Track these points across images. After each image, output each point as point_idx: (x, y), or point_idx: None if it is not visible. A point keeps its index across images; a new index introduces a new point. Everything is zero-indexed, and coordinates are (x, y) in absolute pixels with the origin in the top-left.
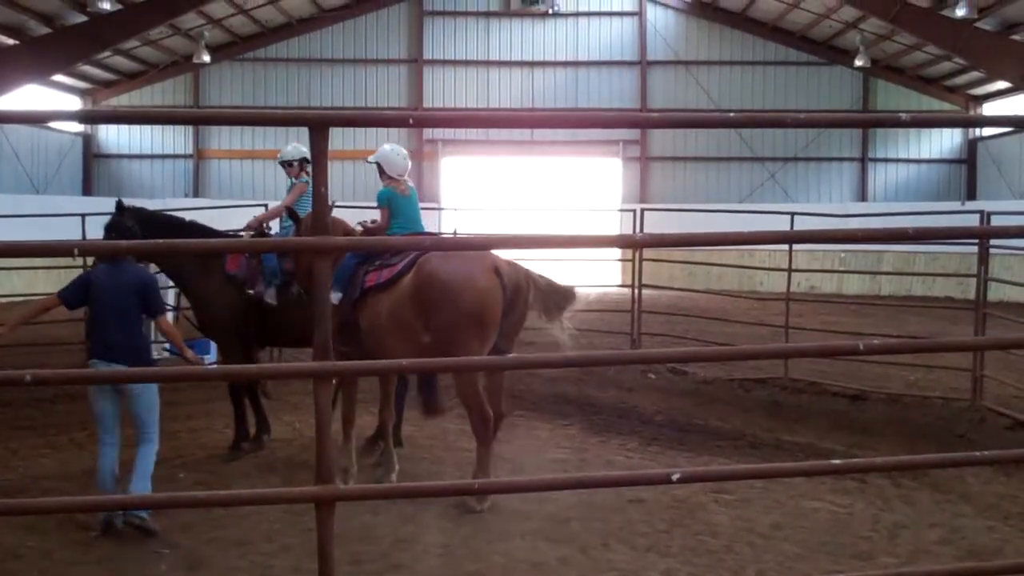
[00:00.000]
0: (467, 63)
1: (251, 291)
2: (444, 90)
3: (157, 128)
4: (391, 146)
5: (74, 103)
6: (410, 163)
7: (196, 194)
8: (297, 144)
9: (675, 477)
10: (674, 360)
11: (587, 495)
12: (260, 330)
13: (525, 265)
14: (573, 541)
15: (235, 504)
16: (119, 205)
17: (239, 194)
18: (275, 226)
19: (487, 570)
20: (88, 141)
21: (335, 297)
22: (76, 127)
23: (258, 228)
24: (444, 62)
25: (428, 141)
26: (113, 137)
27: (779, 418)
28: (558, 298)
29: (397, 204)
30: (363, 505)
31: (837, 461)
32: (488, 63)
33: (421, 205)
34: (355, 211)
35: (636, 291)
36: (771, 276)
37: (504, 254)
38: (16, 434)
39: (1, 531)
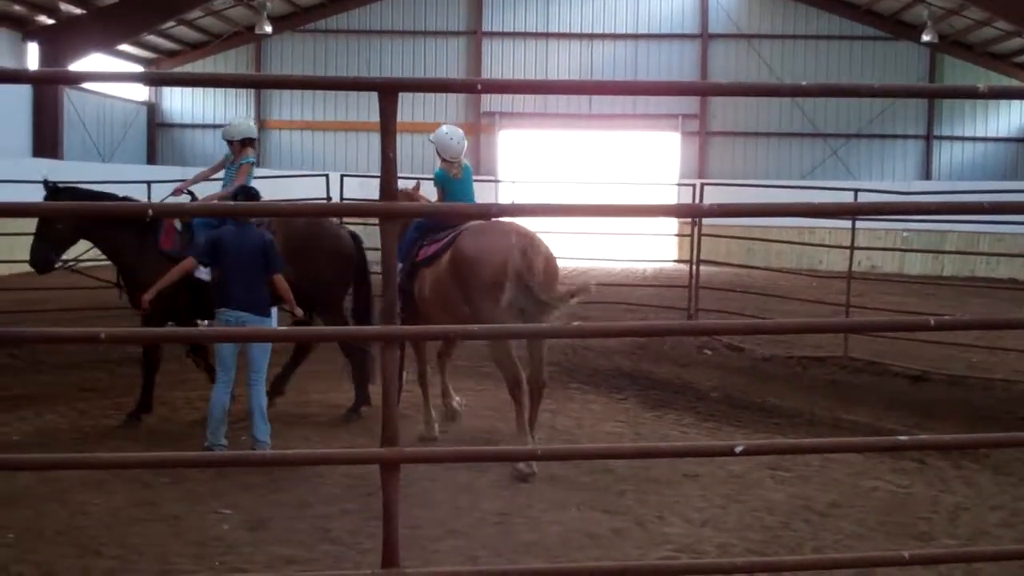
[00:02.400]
0: (526, 35)
1: None
2: (502, 63)
3: (220, 98)
4: (448, 128)
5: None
6: (465, 145)
7: (258, 164)
8: (247, 120)
9: (739, 449)
10: (736, 332)
11: (642, 468)
12: (192, 305)
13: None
14: (628, 513)
15: (303, 463)
16: (47, 184)
17: (300, 164)
18: (198, 192)
19: (543, 539)
20: (152, 110)
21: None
22: (141, 96)
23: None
24: (503, 34)
25: (486, 114)
26: (177, 106)
27: (837, 397)
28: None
29: (448, 186)
30: (420, 472)
31: (903, 437)
32: (547, 35)
33: (477, 178)
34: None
35: (694, 266)
36: (831, 254)
37: (553, 225)
38: (84, 395)
39: (70, 489)
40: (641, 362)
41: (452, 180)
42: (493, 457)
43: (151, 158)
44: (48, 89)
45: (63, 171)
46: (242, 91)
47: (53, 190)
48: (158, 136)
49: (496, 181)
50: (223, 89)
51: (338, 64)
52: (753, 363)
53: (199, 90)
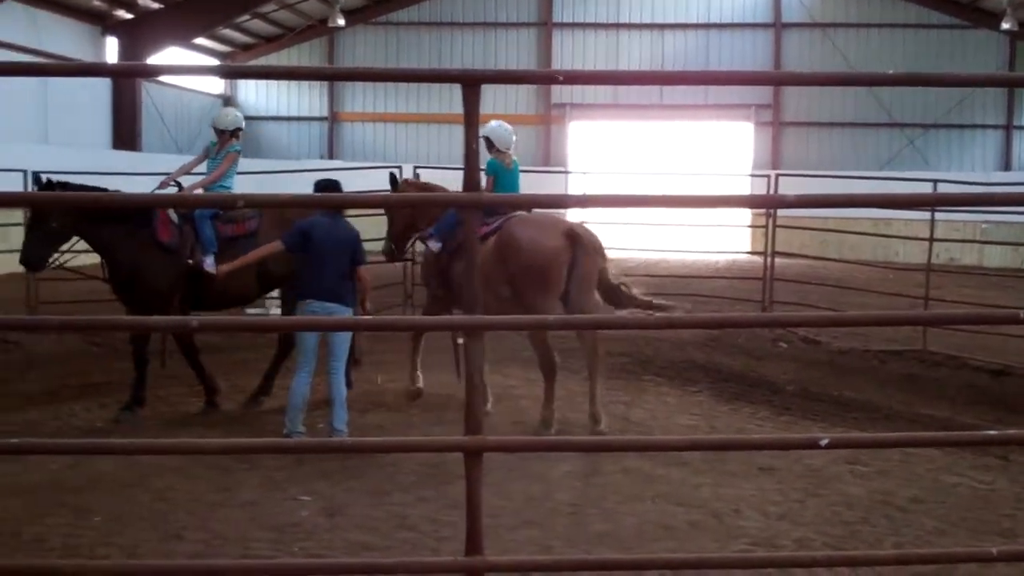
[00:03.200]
0: (596, 26)
1: (190, 260)
2: (573, 54)
3: (294, 91)
4: (498, 122)
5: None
6: (514, 138)
7: (331, 156)
8: (236, 112)
9: (823, 443)
10: (812, 324)
11: (718, 462)
12: (195, 297)
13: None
14: (704, 506)
15: (389, 451)
16: (38, 179)
17: (372, 156)
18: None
19: (618, 531)
20: (228, 103)
21: (435, 246)
22: (217, 90)
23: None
24: (573, 25)
25: (556, 105)
26: (252, 99)
27: (916, 391)
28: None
29: (501, 175)
30: (495, 462)
31: (992, 432)
32: (618, 26)
33: (547, 169)
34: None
35: (769, 258)
36: (907, 246)
37: (625, 217)
38: (164, 383)
39: (152, 475)
40: (715, 354)
41: (505, 170)
42: (574, 447)
43: None
44: (127, 83)
45: (141, 163)
46: (315, 83)
47: (47, 185)
48: None
49: (566, 172)
50: (297, 82)
51: (409, 56)
52: (829, 356)
53: (273, 83)
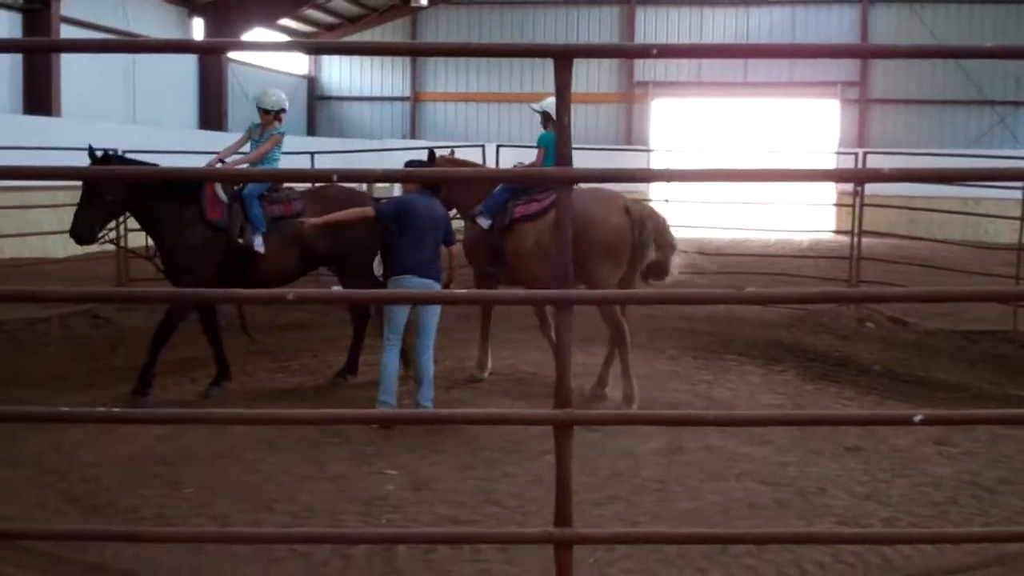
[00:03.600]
0: (680, 3)
1: (240, 240)
2: (656, 30)
3: (376, 71)
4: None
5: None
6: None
7: (413, 135)
8: (280, 92)
9: (917, 419)
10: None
11: (803, 439)
12: (241, 276)
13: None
14: (791, 485)
15: (479, 423)
16: (93, 152)
17: (453, 135)
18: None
19: (704, 508)
20: (312, 84)
21: (485, 223)
22: (301, 70)
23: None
24: (657, 2)
25: (639, 83)
26: (335, 79)
27: (1006, 372)
28: (671, 239)
29: (551, 149)
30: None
31: None
32: (701, 3)
33: (629, 147)
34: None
35: (856, 236)
36: (996, 225)
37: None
38: (251, 358)
39: (241, 447)
40: (800, 334)
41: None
42: (664, 421)
43: (311, 130)
44: (213, 63)
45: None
46: (397, 63)
47: (103, 158)
48: (317, 108)
49: (648, 151)
50: (379, 62)
51: (492, 35)
52: (917, 337)
53: (356, 63)
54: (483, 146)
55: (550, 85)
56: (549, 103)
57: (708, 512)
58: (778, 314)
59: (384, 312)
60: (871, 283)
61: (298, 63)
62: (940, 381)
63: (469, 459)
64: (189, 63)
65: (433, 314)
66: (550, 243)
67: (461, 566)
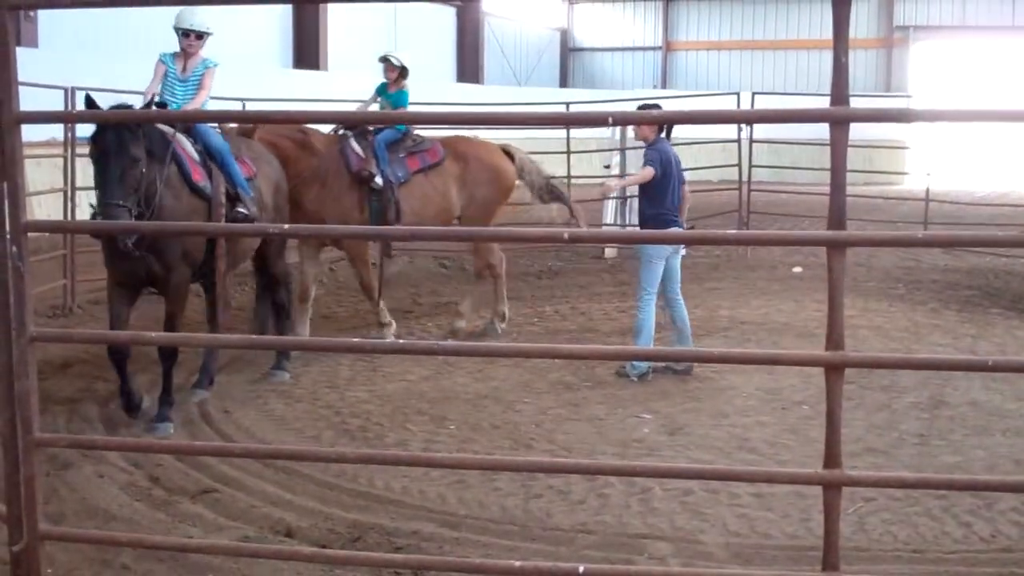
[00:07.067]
0: None
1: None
2: None
3: (628, 21)
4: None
5: (556, 4)
6: None
7: (664, 85)
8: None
9: None
10: None
11: None
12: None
13: None
14: None
15: (753, 363)
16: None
17: (705, 85)
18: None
19: (967, 464)
20: (565, 36)
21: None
22: (556, 23)
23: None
24: None
25: (899, 28)
26: (587, 31)
27: None
28: (550, 187)
29: None
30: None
31: None
32: None
33: (888, 94)
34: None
35: None
36: None
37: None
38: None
39: (502, 388)
40: None
41: None
42: (933, 366)
43: (563, 81)
44: (470, 18)
45: (482, 95)
46: (649, 12)
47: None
48: (570, 60)
49: (907, 97)
50: (631, 11)
51: None
52: None
53: (607, 15)
54: (737, 94)
55: (805, 32)
56: (406, 56)
57: (972, 468)
58: None
59: (643, 262)
60: None
61: (551, 16)
62: None
63: (723, 407)
64: (448, 16)
65: (678, 265)
66: (455, 192)
67: (718, 509)
